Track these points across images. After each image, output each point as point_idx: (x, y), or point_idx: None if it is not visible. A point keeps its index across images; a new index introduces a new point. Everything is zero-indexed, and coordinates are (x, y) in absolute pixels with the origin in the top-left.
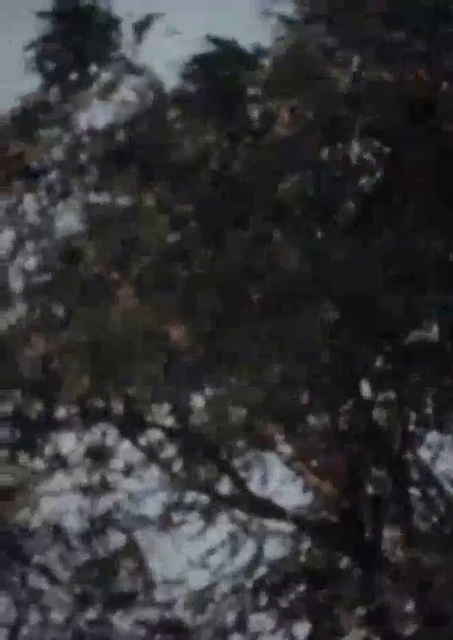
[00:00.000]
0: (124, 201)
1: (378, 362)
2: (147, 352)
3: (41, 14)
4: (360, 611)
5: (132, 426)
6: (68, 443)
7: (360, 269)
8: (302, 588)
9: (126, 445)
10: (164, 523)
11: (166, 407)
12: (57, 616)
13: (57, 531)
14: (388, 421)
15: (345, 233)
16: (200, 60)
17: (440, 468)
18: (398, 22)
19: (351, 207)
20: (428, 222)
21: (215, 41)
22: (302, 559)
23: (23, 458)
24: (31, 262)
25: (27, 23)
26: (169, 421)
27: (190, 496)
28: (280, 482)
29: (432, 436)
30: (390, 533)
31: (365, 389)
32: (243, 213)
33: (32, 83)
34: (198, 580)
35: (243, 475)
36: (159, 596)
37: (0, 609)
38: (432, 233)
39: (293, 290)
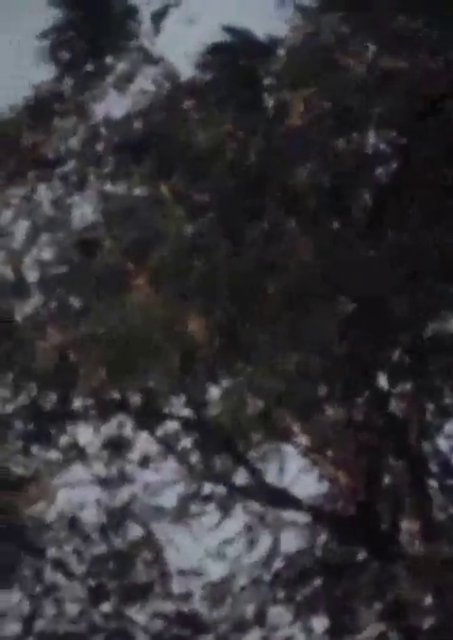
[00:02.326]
0: (140, 191)
1: (396, 354)
2: (164, 344)
3: (54, 2)
4: (378, 604)
5: (149, 417)
6: (85, 434)
7: (374, 267)
8: (319, 581)
9: (144, 436)
10: (181, 514)
11: (183, 398)
12: (72, 609)
13: (73, 524)
14: (405, 411)
15: (360, 229)
16: (215, 50)
17: None
18: (415, 12)
19: (366, 199)
20: (440, 218)
21: (231, 30)
22: (319, 552)
23: (37, 449)
24: (47, 254)
25: (27, 23)
26: (185, 412)
27: (206, 488)
28: (297, 473)
29: (451, 426)
30: (407, 525)
31: (382, 380)
32: (260, 205)
33: (43, 76)
34: (215, 571)
35: (259, 466)
36: (176, 588)
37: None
38: (443, 230)
39: (306, 287)
